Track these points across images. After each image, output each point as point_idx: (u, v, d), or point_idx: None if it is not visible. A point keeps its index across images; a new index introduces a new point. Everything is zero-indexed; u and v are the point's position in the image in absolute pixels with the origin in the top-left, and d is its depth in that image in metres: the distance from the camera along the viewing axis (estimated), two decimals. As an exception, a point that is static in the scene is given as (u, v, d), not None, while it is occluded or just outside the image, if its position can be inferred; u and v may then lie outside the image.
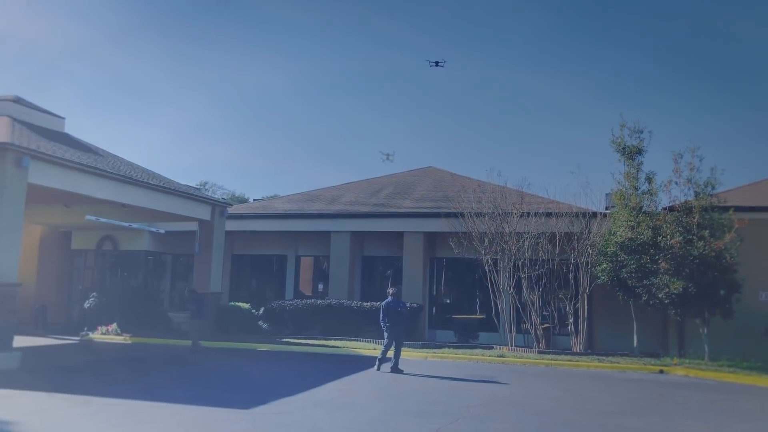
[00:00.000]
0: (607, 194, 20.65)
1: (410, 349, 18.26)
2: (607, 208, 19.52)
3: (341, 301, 21.14)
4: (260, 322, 21.21)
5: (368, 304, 20.79)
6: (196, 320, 17.97)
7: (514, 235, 19.11)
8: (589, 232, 18.68)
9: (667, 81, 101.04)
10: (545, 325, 19.28)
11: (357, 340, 19.82)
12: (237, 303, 21.33)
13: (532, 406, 10.69)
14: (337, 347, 18.65)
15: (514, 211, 19.32)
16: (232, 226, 23.38)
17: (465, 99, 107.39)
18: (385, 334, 14.57)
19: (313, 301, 21.48)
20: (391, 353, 14.51)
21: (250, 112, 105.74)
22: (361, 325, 20.91)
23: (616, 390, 12.87)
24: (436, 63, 20.30)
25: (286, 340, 19.78)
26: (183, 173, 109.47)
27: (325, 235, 23.09)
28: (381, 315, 14.69)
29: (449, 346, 19.01)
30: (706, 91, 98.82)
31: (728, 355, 17.03)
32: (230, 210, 23.78)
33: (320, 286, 24.83)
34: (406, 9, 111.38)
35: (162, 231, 21.59)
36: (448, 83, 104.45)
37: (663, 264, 16.31)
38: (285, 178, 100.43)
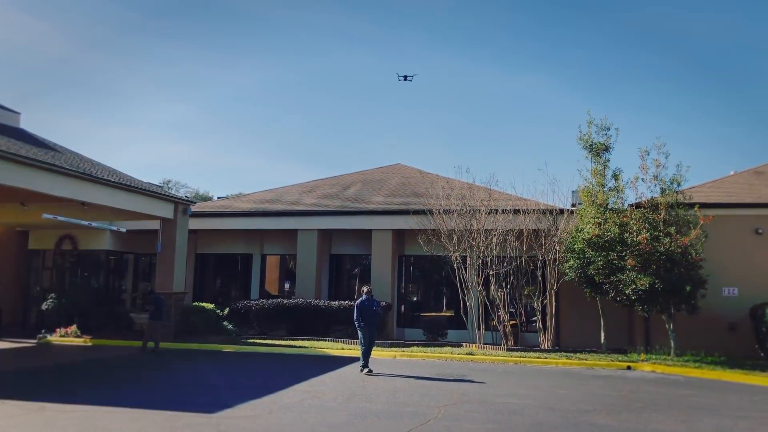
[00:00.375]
0: (573, 191, 20.73)
1: (379, 348, 18.03)
2: (573, 205, 19.58)
3: (308, 300, 20.83)
4: (225, 323, 20.78)
5: (336, 303, 20.52)
6: (155, 321, 17.50)
7: (483, 232, 19.03)
8: (557, 229, 18.70)
9: (634, 79, 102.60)
10: (513, 322, 19.25)
11: (325, 340, 19.54)
12: (201, 303, 20.86)
13: (504, 404, 10.55)
14: (305, 347, 18.34)
15: (482, 208, 19.24)
16: (195, 224, 22.89)
17: (433, 97, 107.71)
18: (360, 334, 14.28)
19: (279, 300, 21.13)
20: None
21: (217, 111, 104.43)
22: (329, 325, 20.64)
23: (586, 387, 12.82)
24: (405, 77, 20.18)
25: (252, 340, 19.39)
26: (146, 172, 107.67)
27: (292, 233, 22.74)
28: (355, 314, 14.29)
29: (418, 345, 18.85)
30: (671, 90, 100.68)
31: (693, 349, 17.22)
32: (194, 208, 23.25)
33: (287, 286, 24.49)
34: (370, 7, 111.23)
35: (123, 230, 21.00)
36: (416, 82, 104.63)
37: (630, 260, 16.36)
38: (250, 176, 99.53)
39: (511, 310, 19.37)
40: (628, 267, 16.41)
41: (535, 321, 21.06)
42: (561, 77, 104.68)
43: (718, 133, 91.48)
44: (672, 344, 16.94)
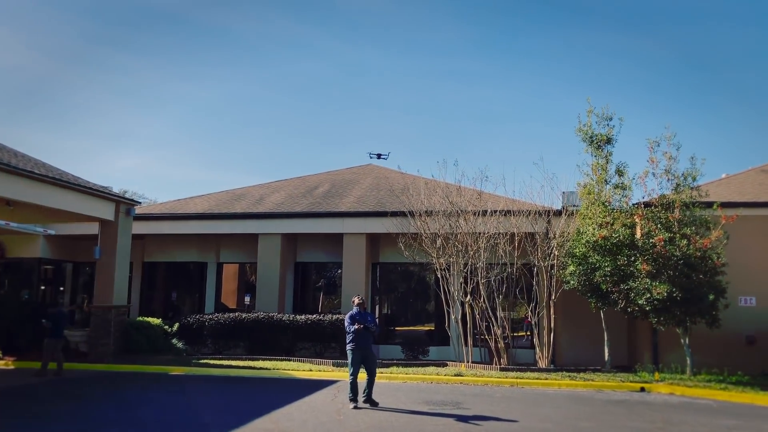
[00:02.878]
0: (564, 192, 18.60)
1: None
2: (564, 208, 17.43)
3: (271, 314, 18.26)
4: (174, 341, 18.07)
5: (302, 317, 18.00)
6: (52, 340, 14.79)
7: (471, 236, 16.75)
8: (555, 232, 16.51)
9: (635, 71, 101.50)
10: (505, 337, 16.95)
11: (290, 360, 17.00)
12: (147, 318, 18.11)
13: (523, 447, 8.24)
14: (267, 369, 15.76)
15: (470, 208, 16.98)
16: (142, 228, 20.16)
17: (412, 92, 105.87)
18: (350, 357, 11.19)
19: (237, 314, 18.50)
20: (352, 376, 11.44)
21: (173, 121, 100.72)
22: (294, 342, 18.13)
23: (609, 417, 10.58)
24: (378, 155, 18.16)
25: (205, 361, 16.73)
26: (104, 184, 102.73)
27: (252, 239, 20.17)
28: (347, 329, 11.20)
29: (397, 364, 16.43)
30: (675, 81, 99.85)
31: (706, 366, 15.27)
32: (140, 210, 20.52)
33: (246, 298, 21.88)
34: (334, 18, 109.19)
35: (51, 232, 18.16)
36: (391, 79, 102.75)
37: (644, 265, 14.27)
38: (208, 188, 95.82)
39: (503, 324, 17.04)
40: (642, 273, 14.32)
41: (527, 336, 18.89)
42: (559, 67, 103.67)
43: (724, 125, 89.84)
44: (688, 361, 14.88)
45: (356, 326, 11.03)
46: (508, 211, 16.89)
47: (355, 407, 10.71)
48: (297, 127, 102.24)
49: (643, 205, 15.45)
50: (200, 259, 21.29)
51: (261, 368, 15.82)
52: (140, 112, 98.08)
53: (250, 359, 17.07)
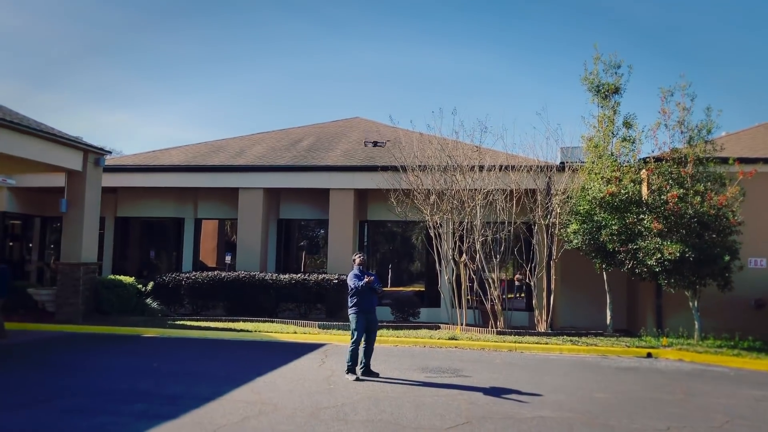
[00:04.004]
0: (562, 148, 17.50)
1: (340, 332, 14.61)
2: (562, 163, 16.35)
3: (252, 273, 17.14)
4: (149, 300, 16.93)
5: (286, 276, 16.91)
6: None
7: (468, 193, 15.65)
8: (558, 189, 15.41)
9: (644, 15, 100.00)
10: (502, 300, 16.01)
11: (272, 321, 15.97)
12: (118, 277, 16.90)
13: (541, 424, 7.26)
14: (248, 331, 14.70)
15: (466, 163, 15.83)
16: (115, 181, 18.84)
17: (401, 56, 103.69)
18: (354, 322, 9.87)
19: (216, 273, 17.36)
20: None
21: (156, 78, 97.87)
22: (278, 302, 17.08)
23: (623, 386, 9.68)
24: (374, 143, 16.57)
25: (181, 322, 15.63)
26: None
27: (232, 193, 18.93)
28: (351, 292, 9.92)
29: (387, 327, 15.42)
30: (685, 26, 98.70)
31: (713, 331, 14.45)
32: (111, 161, 19.19)
33: (227, 257, 20.72)
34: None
35: (11, 182, 16.84)
36: (375, 40, 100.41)
37: (655, 224, 13.28)
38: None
39: (500, 285, 16.07)
40: (654, 232, 13.35)
41: (522, 298, 18.02)
42: (560, 12, 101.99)
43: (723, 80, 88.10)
44: (696, 326, 14.02)
45: (366, 279, 9.80)
46: (508, 166, 15.78)
47: (357, 379, 9.63)
48: (281, 89, 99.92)
49: (653, 160, 14.40)
50: (177, 215, 20.03)
51: (241, 330, 14.77)
52: (120, 67, 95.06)
53: (229, 320, 16.03)
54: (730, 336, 14.12)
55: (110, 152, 17.03)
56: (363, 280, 9.85)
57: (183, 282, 17.18)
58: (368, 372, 9.91)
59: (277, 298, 16.98)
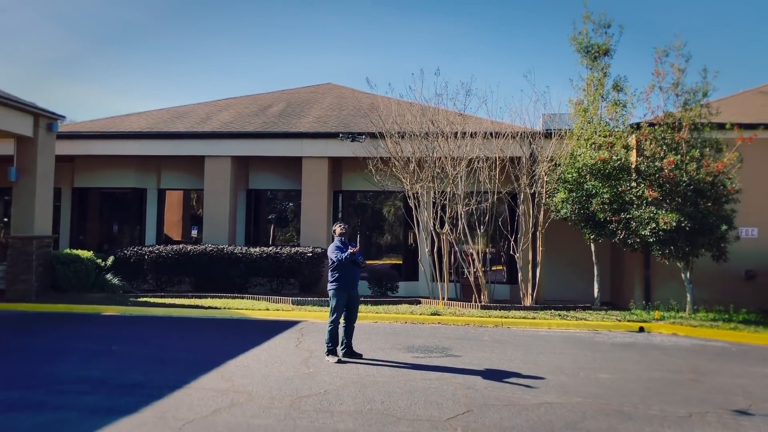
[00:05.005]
0: (544, 114, 16.72)
1: (316, 308, 13.74)
2: (545, 130, 15.53)
3: (220, 246, 16.11)
4: (109, 276, 15.80)
5: (257, 250, 15.93)
6: None
7: (450, 160, 14.77)
8: (546, 156, 14.61)
9: None
10: (485, 272, 15.26)
11: (243, 298, 15.03)
12: (75, 251, 15.71)
13: (548, 411, 6.51)
14: (216, 308, 13.74)
15: (448, 129, 14.92)
16: (71, 148, 17.57)
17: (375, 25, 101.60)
18: (333, 300, 8.93)
19: (182, 247, 16.29)
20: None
21: (116, 49, 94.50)
22: (247, 277, 16.14)
23: (624, 366, 8.99)
24: (352, 137, 15.31)
25: (145, 299, 14.59)
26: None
27: (198, 162, 17.78)
28: (332, 265, 8.99)
29: (365, 302, 14.55)
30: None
31: (703, 303, 13.94)
32: (67, 128, 17.88)
33: (194, 231, 19.60)
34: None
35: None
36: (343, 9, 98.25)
37: (649, 192, 12.60)
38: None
39: (484, 257, 15.32)
40: (649, 200, 12.68)
41: (503, 270, 17.33)
42: None
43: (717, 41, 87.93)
44: (689, 298, 13.48)
45: (350, 249, 8.89)
46: (493, 133, 14.90)
47: (339, 361, 8.75)
48: (246, 60, 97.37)
49: (646, 125, 13.68)
50: (139, 185, 18.80)
51: (210, 307, 13.80)
52: (79, 38, 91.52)
53: (197, 297, 15.03)
54: (725, 308, 13.62)
55: (64, 117, 15.70)
56: (345, 252, 8.94)
57: (146, 256, 16.09)
58: (350, 353, 9.05)
59: (247, 273, 16.02)
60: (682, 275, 13.49)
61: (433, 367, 8.52)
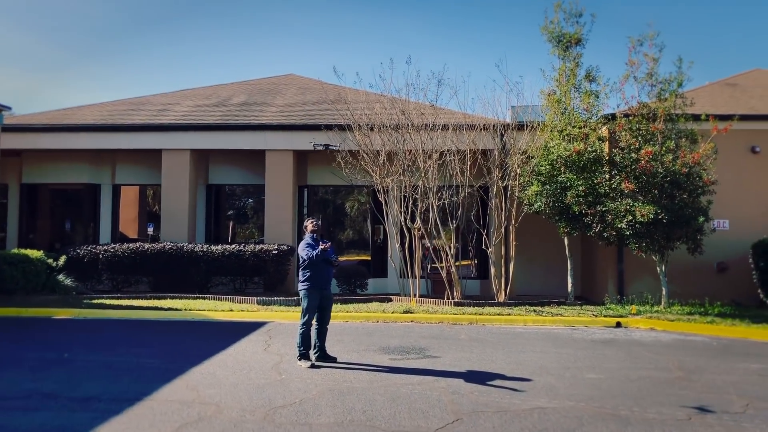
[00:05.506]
0: (513, 107, 16.37)
1: (283, 308, 13.15)
2: (514, 122, 15.16)
3: (180, 244, 15.35)
4: (61, 277, 14.91)
5: (219, 248, 15.22)
6: None
7: (421, 153, 14.28)
8: (519, 149, 14.23)
9: None
10: (457, 265, 14.85)
11: (204, 298, 14.33)
12: (23, 251, 14.76)
13: (543, 417, 6.07)
14: (177, 309, 13.02)
15: (418, 121, 14.42)
16: (18, 142, 16.56)
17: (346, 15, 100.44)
18: (305, 301, 8.32)
19: (139, 245, 15.47)
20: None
21: (69, 42, 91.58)
22: (209, 276, 15.43)
23: (610, 365, 8.64)
24: (326, 147, 14.45)
25: (100, 301, 13.77)
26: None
27: (155, 155, 16.94)
28: (302, 263, 8.38)
29: (334, 300, 13.85)
30: None
31: (675, 296, 13.80)
32: (14, 120, 16.86)
33: (150, 229, 18.73)
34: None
35: None
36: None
37: (626, 184, 12.33)
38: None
39: (456, 252, 14.90)
40: (625, 192, 12.42)
41: (472, 266, 16.95)
42: None
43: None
44: (664, 292, 13.31)
45: (321, 246, 8.25)
46: (464, 125, 14.46)
47: (312, 366, 8.18)
48: (205, 53, 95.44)
49: (621, 116, 13.42)
50: (92, 180, 17.84)
51: (170, 309, 13.07)
52: (28, 29, 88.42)
53: (155, 298, 14.28)
54: (699, 302, 13.47)
55: (9, 108, 14.75)
56: (317, 249, 8.37)
57: (101, 255, 15.23)
58: (324, 356, 8.49)
59: (208, 272, 15.31)
60: (658, 269, 13.29)
61: (412, 370, 8.03)
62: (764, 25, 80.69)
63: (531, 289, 16.21)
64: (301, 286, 8.43)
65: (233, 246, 15.29)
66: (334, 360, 8.43)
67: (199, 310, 13.01)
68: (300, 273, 8.49)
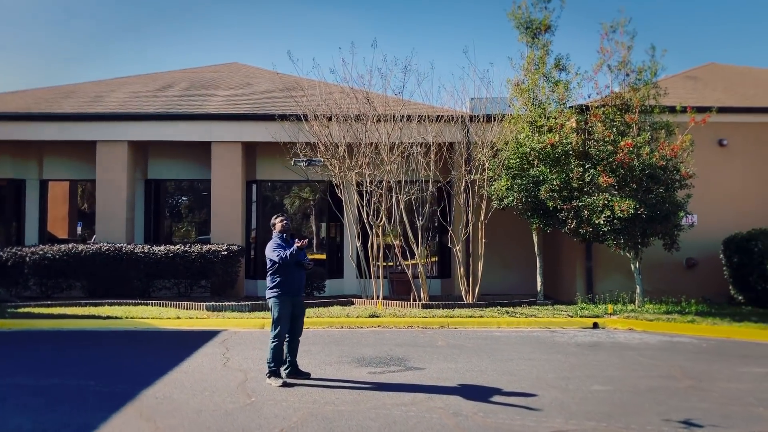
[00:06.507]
0: (471, 98, 15.67)
1: (236, 314, 12.01)
2: (488, 115, 14.37)
3: (118, 245, 13.94)
4: (-19, 283, 13.30)
5: (162, 248, 13.89)
6: None
7: (385, 146, 13.32)
8: (491, 141, 13.46)
9: None
10: (424, 264, 14.00)
11: (147, 304, 13.02)
12: (-63, 254, 13.08)
13: (569, 444, 5.26)
14: (118, 318, 11.68)
15: (381, 110, 13.48)
16: (-72, 132, 14.72)
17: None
18: (276, 308, 7.28)
19: (72, 246, 13.96)
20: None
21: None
22: (150, 280, 14.13)
23: (609, 372, 7.96)
24: (309, 162, 12.91)
25: (27, 310, 12.27)
26: None
27: (88, 148, 15.42)
28: (272, 267, 7.36)
29: (291, 305, 12.91)
30: None
31: (646, 294, 13.34)
32: (-77, 107, 14.97)
33: (78, 227, 17.15)
34: None
35: None
36: None
37: (605, 178, 11.73)
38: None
39: (420, 251, 14.02)
40: (603, 186, 11.82)
41: (431, 264, 16.17)
42: None
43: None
44: (638, 290, 12.80)
45: (296, 244, 7.14)
46: (431, 116, 13.59)
47: (285, 384, 7.12)
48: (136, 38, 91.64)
49: (595, 106, 12.84)
50: (16, 175, 16.13)
51: (109, 317, 11.72)
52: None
53: (92, 305, 12.89)
54: (674, 300, 13.06)
55: None
56: (289, 249, 7.30)
57: (27, 258, 13.67)
58: (296, 372, 7.43)
59: (150, 275, 13.99)
60: (632, 266, 12.78)
61: (399, 386, 7.10)
62: (716, 19, 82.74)
63: (496, 288, 15.54)
64: (269, 294, 7.37)
65: (178, 247, 13.98)
66: (307, 376, 7.41)
67: (143, 317, 11.72)
68: (268, 278, 7.42)
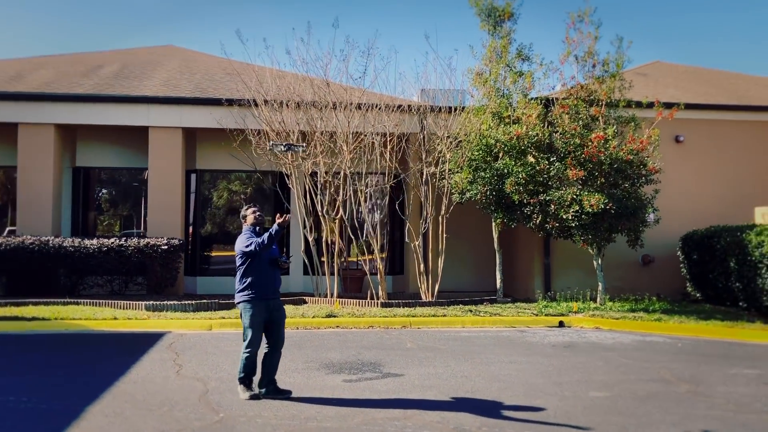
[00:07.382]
0: (422, 89, 15.10)
1: (180, 314, 10.99)
2: (449, 107, 13.78)
3: (45, 239, 12.59)
4: None
5: (94, 242, 12.65)
6: None
7: (342, 135, 12.52)
8: (456, 133, 12.86)
9: None
10: (365, 260, 13.31)
11: (78, 303, 11.79)
12: None
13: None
14: (46, 319, 10.44)
15: (336, 99, 12.67)
16: None
17: None
18: (247, 313, 6.29)
19: (-11, 239, 12.54)
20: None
21: None
22: (81, 277, 12.90)
23: (598, 376, 7.51)
24: (288, 147, 11.62)
25: (-62, 311, 10.85)
26: None
27: (9, 131, 13.94)
28: (241, 262, 6.37)
29: (230, 305, 11.90)
30: None
31: (603, 291, 13.07)
32: None
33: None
34: None
35: None
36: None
37: (574, 171, 11.33)
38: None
39: (377, 246, 13.31)
40: (571, 180, 11.43)
41: (386, 260, 15.54)
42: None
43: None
44: (600, 287, 12.51)
45: (278, 220, 6.12)
46: (390, 106, 12.90)
47: (253, 397, 6.25)
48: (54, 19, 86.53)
49: (563, 98, 12.46)
50: (-77, 161, 14.45)
51: (35, 318, 10.46)
52: None
53: (13, 304, 11.54)
54: (635, 296, 12.90)
55: None
56: (260, 238, 6.36)
57: (-63, 253, 12.16)
58: (275, 389, 6.38)
59: (80, 272, 12.79)
60: (594, 263, 12.49)
61: (384, 398, 6.38)
62: (663, 17, 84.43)
63: (450, 284, 14.96)
64: (239, 297, 6.40)
65: (113, 240, 12.77)
66: (288, 394, 6.46)
67: (75, 318, 10.52)
68: (238, 278, 6.44)
